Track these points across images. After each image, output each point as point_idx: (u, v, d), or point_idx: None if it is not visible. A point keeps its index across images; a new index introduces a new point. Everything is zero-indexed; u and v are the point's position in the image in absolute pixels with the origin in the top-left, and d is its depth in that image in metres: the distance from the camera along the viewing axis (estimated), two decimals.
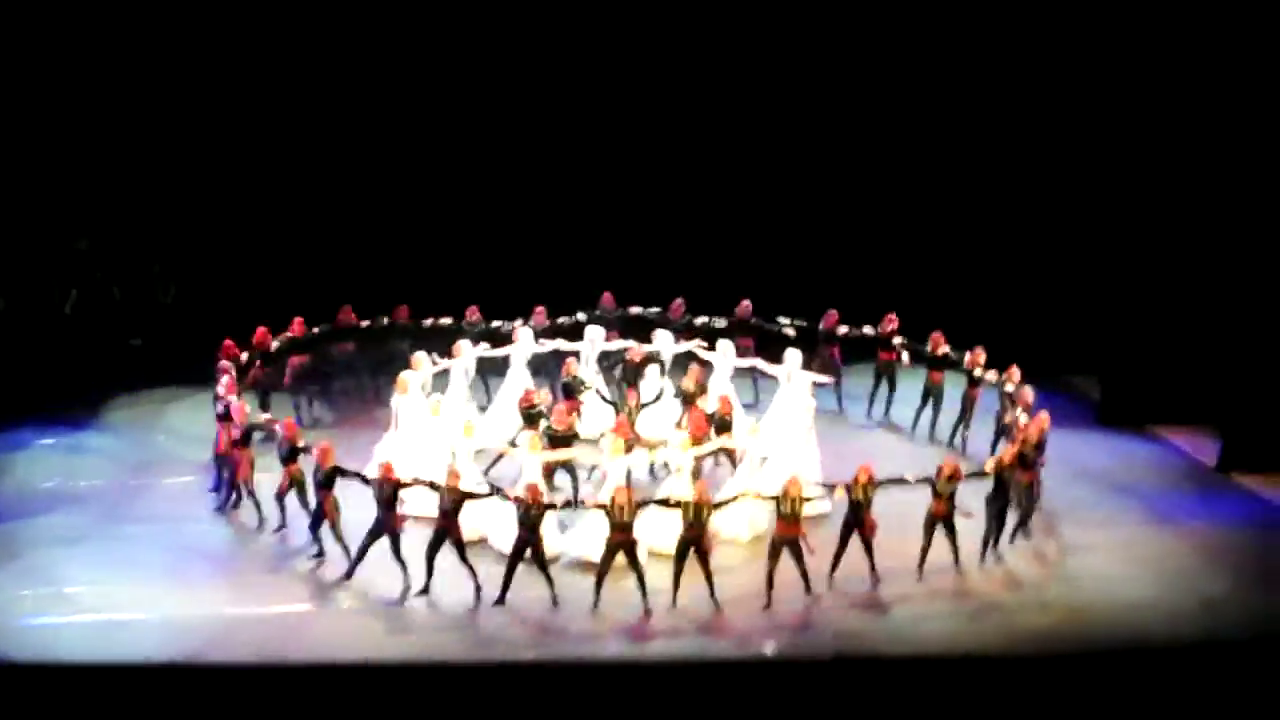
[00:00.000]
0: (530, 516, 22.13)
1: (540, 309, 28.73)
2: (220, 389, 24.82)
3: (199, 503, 24.89)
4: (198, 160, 31.73)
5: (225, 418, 24.39)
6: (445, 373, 26.82)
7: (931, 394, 28.16)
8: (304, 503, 23.45)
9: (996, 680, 20.88)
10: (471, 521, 23.13)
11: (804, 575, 22.47)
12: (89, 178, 31.44)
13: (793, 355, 26.96)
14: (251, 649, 20.72)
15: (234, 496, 24.49)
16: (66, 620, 21.25)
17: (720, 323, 29.09)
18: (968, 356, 27.47)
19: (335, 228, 32.40)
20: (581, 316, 28.88)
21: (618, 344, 27.91)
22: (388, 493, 22.30)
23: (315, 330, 28.26)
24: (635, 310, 29.26)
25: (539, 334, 28.05)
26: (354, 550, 22.54)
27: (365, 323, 28.75)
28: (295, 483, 23.53)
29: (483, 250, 32.49)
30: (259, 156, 31.84)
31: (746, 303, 29.39)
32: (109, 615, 21.40)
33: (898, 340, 28.46)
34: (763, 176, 32.96)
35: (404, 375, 25.75)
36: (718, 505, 22.56)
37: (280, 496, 23.77)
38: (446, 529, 22.21)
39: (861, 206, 33.01)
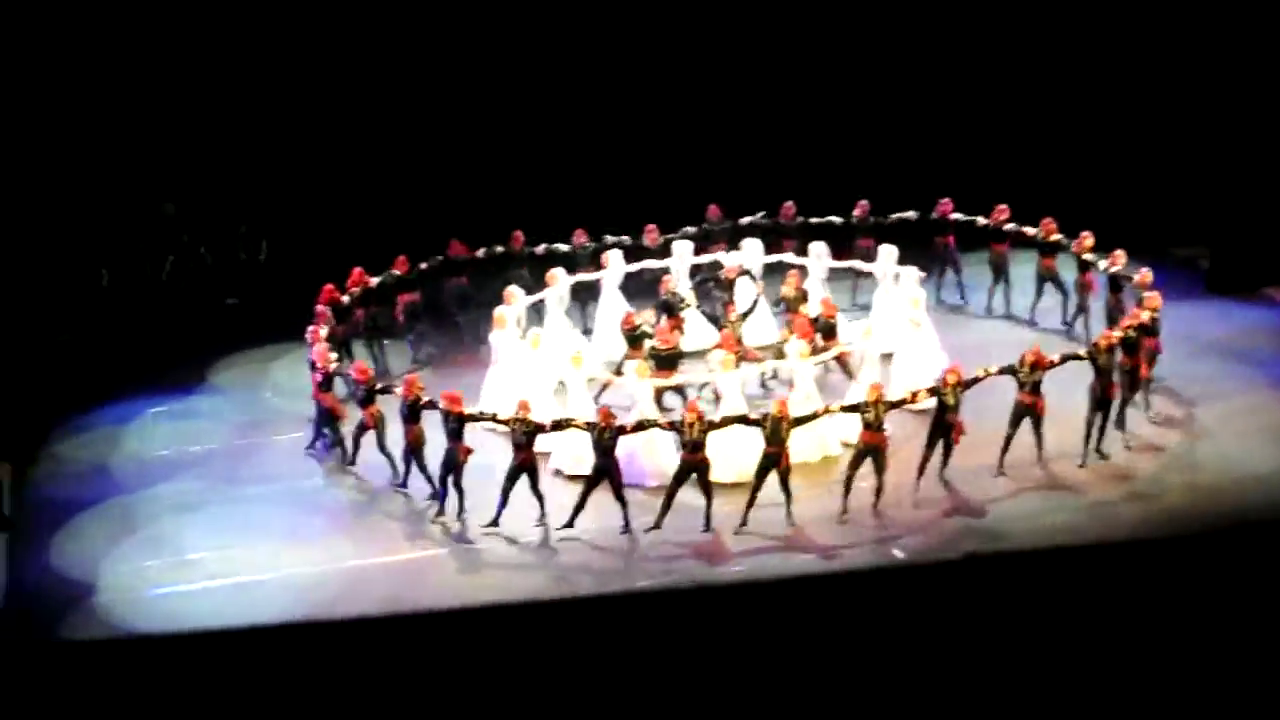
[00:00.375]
0: (604, 440, 21.70)
1: (652, 227, 27.97)
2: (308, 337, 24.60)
3: (312, 459, 24.70)
4: (272, 115, 31.46)
5: (314, 366, 24.12)
6: (542, 303, 26.47)
7: (1046, 279, 27.39)
8: (382, 446, 23.32)
9: (1126, 566, 20.72)
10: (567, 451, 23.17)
11: (878, 487, 22.05)
12: (167, 141, 31.19)
13: (887, 250, 26.61)
14: (381, 600, 20.64)
15: (324, 441, 24.36)
16: (194, 588, 21.24)
17: (837, 221, 28.30)
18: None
19: (421, 164, 31.87)
20: (691, 230, 28.16)
21: (707, 258, 27.23)
22: (453, 424, 22.11)
23: (424, 266, 27.60)
24: (745, 220, 28.32)
25: (651, 254, 27.56)
26: (437, 482, 22.61)
27: (479, 252, 28.04)
28: (376, 424, 23.30)
29: (579, 170, 31.77)
30: (329, 104, 31.45)
31: (864, 203, 28.44)
32: (235, 579, 21.36)
33: (1010, 227, 27.59)
34: (858, 65, 32.30)
35: (499, 310, 25.38)
36: (799, 420, 22.04)
37: (356, 437, 23.67)
38: (522, 462, 21.90)
39: (961, 90, 32.37)
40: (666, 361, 24.25)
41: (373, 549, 22.00)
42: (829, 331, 25.17)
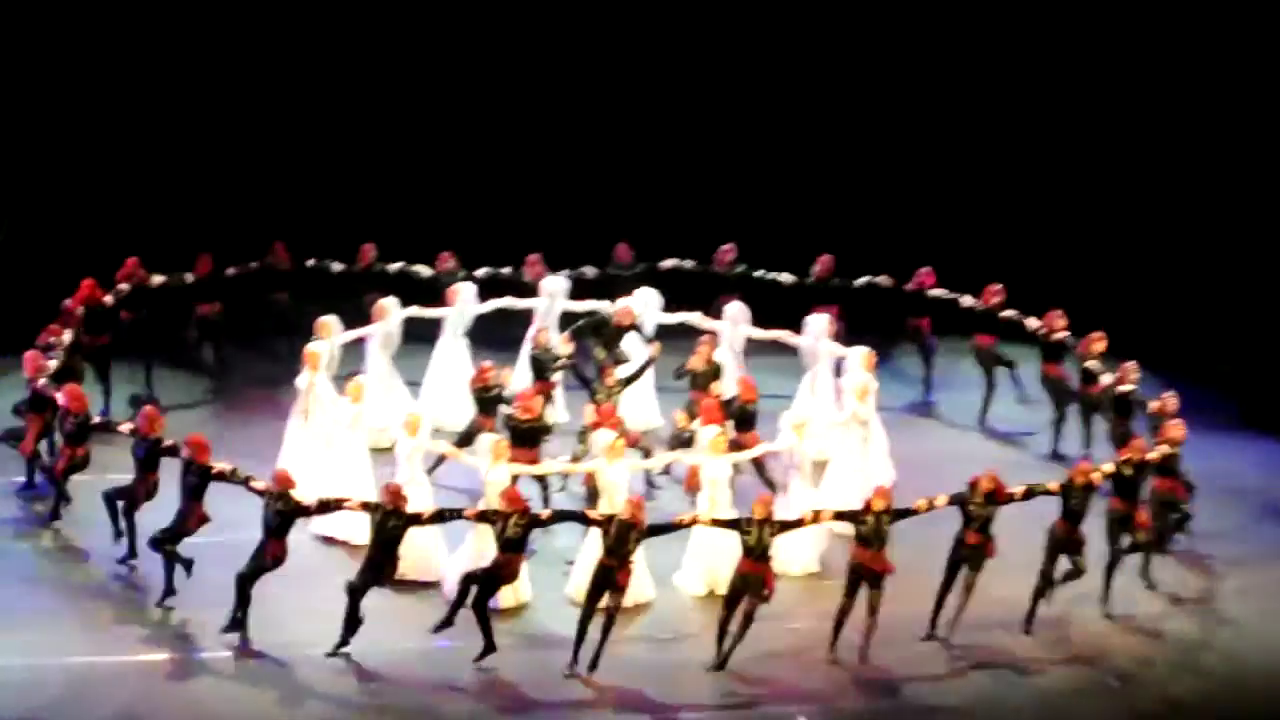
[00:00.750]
0: (509, 535, 17.54)
1: (535, 258, 24.01)
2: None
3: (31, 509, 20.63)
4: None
5: (36, 405, 20.02)
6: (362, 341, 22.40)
7: (1049, 389, 23.16)
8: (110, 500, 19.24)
9: None
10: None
11: (868, 630, 18.05)
12: None
13: (817, 321, 22.61)
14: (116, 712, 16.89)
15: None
16: None
17: (785, 280, 24.37)
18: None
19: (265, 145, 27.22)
20: (590, 272, 24.19)
21: (589, 304, 23.13)
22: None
23: (233, 271, 23.64)
24: (668, 263, 24.52)
25: (530, 290, 23.61)
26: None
27: (310, 263, 24.10)
28: (73, 467, 19.61)
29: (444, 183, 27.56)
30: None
31: (827, 257, 24.50)
32: None
33: (1008, 314, 23.48)
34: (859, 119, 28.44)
35: (312, 346, 20.86)
36: (784, 526, 18.02)
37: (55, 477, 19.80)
38: (381, 564, 17.53)
39: (971, 137, 28.42)
40: (526, 437, 19.65)
41: (104, 642, 17.92)
42: (745, 421, 20.50)
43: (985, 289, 23.67)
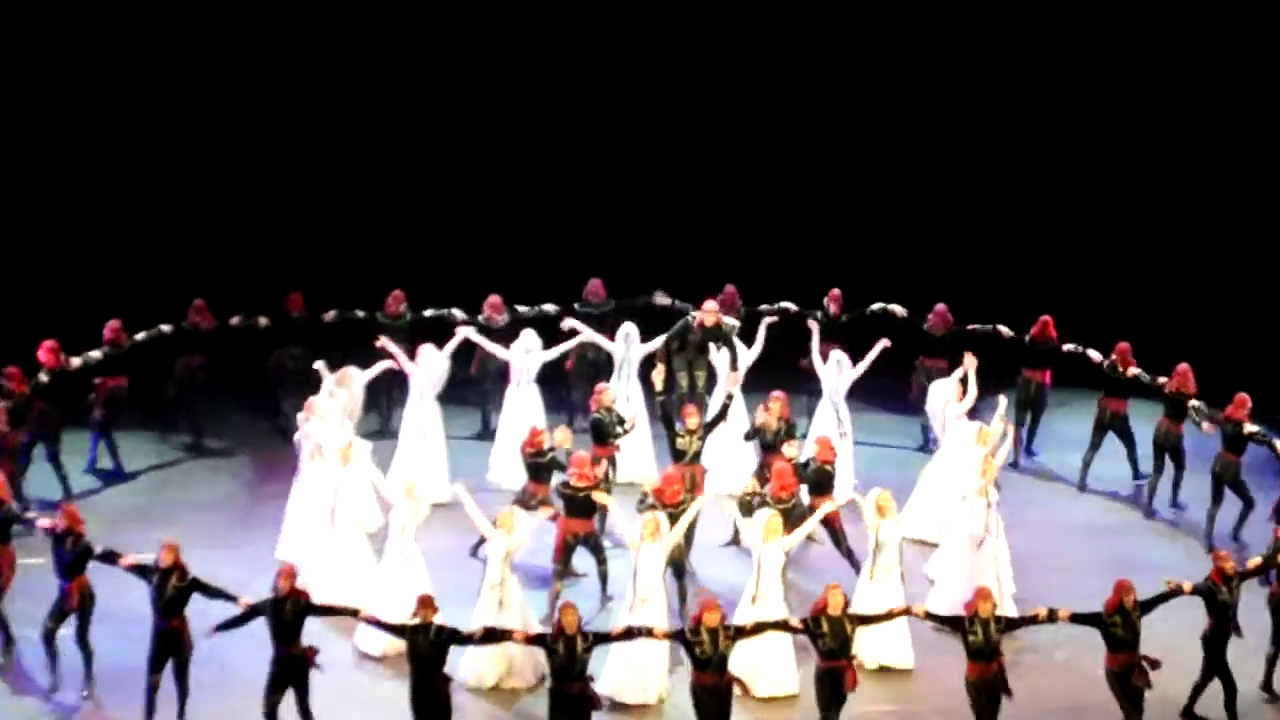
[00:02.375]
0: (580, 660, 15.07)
1: (496, 299, 21.90)
2: None
3: None
4: None
5: None
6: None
7: (1112, 428, 21.08)
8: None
9: None
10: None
11: None
12: None
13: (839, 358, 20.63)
14: None
15: None
16: None
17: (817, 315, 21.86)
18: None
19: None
20: (551, 309, 21.87)
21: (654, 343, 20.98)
22: (289, 614, 15.22)
23: (235, 321, 21.76)
24: (661, 299, 22.36)
25: (495, 335, 21.35)
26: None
27: (236, 321, 21.88)
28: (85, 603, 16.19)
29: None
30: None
31: (837, 291, 22.31)
32: None
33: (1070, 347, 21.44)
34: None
35: (318, 399, 18.88)
36: (865, 620, 15.78)
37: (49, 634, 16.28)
38: (426, 695, 15.13)
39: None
40: (581, 507, 17.58)
41: None
42: (822, 485, 18.18)
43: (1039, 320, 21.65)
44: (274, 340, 22.03)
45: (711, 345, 20.81)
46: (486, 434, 21.43)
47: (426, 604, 15.03)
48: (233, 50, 25.03)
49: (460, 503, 16.79)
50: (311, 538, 17.91)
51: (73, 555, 15.77)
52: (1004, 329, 21.84)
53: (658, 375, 18.78)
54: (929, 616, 16.02)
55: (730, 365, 20.45)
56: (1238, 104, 25.47)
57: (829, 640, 15.21)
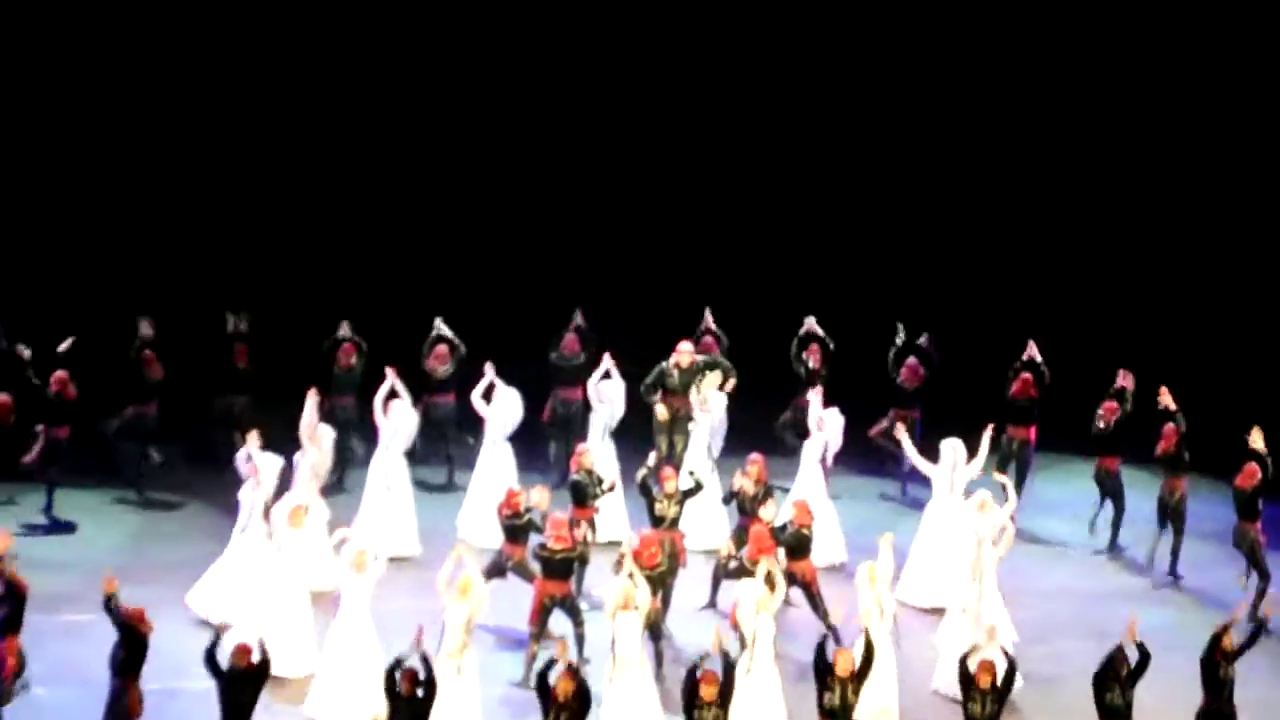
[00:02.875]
0: None
1: (442, 350, 21.57)
2: None
3: None
4: None
5: None
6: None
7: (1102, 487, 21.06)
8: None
9: None
10: None
11: None
12: None
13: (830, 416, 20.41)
14: None
15: None
16: None
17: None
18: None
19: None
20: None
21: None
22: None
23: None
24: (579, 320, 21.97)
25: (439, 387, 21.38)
26: None
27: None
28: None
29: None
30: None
31: (815, 346, 22.28)
32: None
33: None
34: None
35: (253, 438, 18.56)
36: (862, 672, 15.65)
37: None
38: None
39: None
40: (558, 569, 17.39)
41: None
42: (799, 549, 17.97)
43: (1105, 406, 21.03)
44: (219, 390, 21.72)
45: (692, 387, 20.64)
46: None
47: (411, 679, 14.88)
48: (200, 98, 25.47)
49: (425, 560, 16.56)
50: (245, 594, 17.50)
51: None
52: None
53: (661, 407, 19.33)
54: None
55: (723, 380, 20.59)
56: (1233, 118, 25.81)
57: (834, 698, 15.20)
